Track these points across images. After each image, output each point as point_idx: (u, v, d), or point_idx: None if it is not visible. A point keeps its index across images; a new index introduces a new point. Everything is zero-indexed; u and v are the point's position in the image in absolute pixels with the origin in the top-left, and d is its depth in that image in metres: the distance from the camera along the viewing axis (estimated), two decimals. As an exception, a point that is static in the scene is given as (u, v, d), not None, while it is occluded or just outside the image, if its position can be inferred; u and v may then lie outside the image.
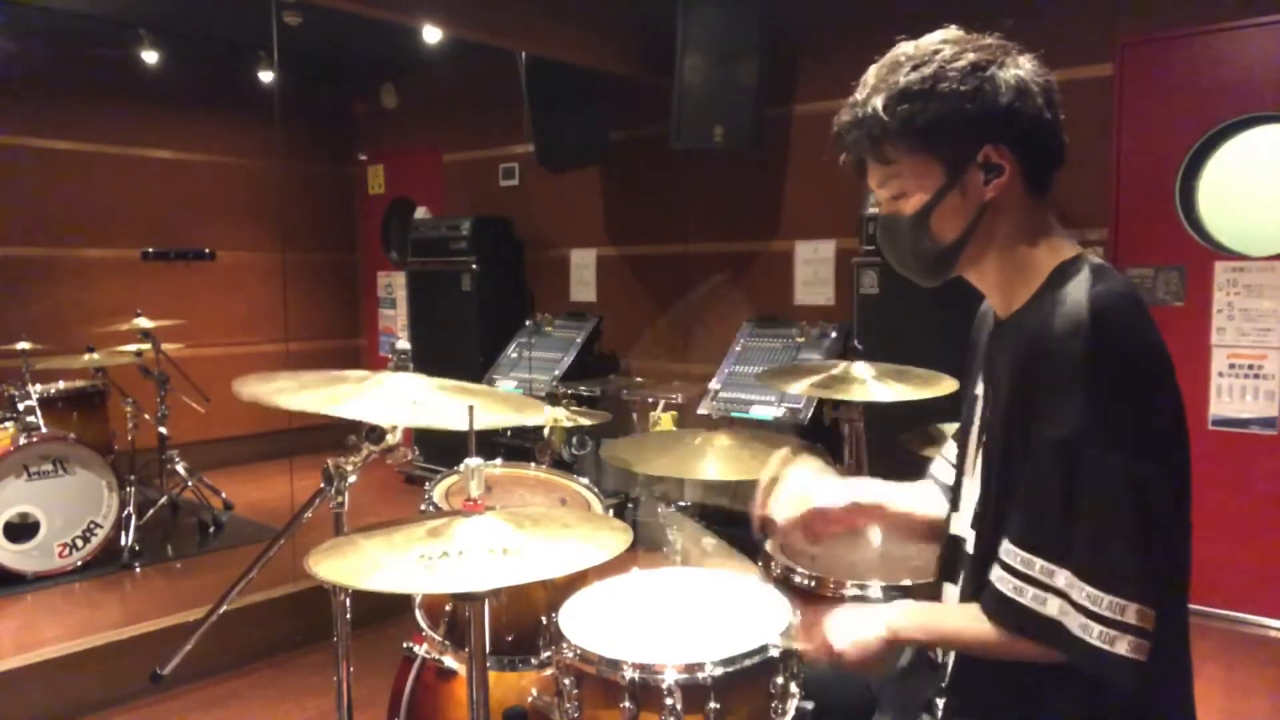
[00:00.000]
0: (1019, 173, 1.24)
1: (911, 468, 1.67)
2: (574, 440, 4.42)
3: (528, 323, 5.60)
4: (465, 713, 1.42)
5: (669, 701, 1.37)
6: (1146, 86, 3.77)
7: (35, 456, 3.84)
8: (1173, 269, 3.75)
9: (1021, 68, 1.23)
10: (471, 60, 6.00)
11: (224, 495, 4.93)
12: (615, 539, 1.35)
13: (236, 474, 5.55)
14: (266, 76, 6.06)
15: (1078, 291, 1.18)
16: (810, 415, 4.08)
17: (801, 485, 1.55)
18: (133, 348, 4.52)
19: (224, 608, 1.84)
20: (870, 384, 2.35)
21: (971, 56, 1.22)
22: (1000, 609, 1.19)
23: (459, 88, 6.37)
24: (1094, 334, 1.12)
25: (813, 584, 1.90)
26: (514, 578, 1.23)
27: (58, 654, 3.08)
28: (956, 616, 1.28)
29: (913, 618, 1.32)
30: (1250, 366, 3.59)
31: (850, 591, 1.87)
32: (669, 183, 5.33)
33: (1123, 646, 1.10)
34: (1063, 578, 1.13)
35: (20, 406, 3.96)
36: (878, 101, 1.24)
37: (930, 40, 1.26)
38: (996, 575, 1.20)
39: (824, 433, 3.98)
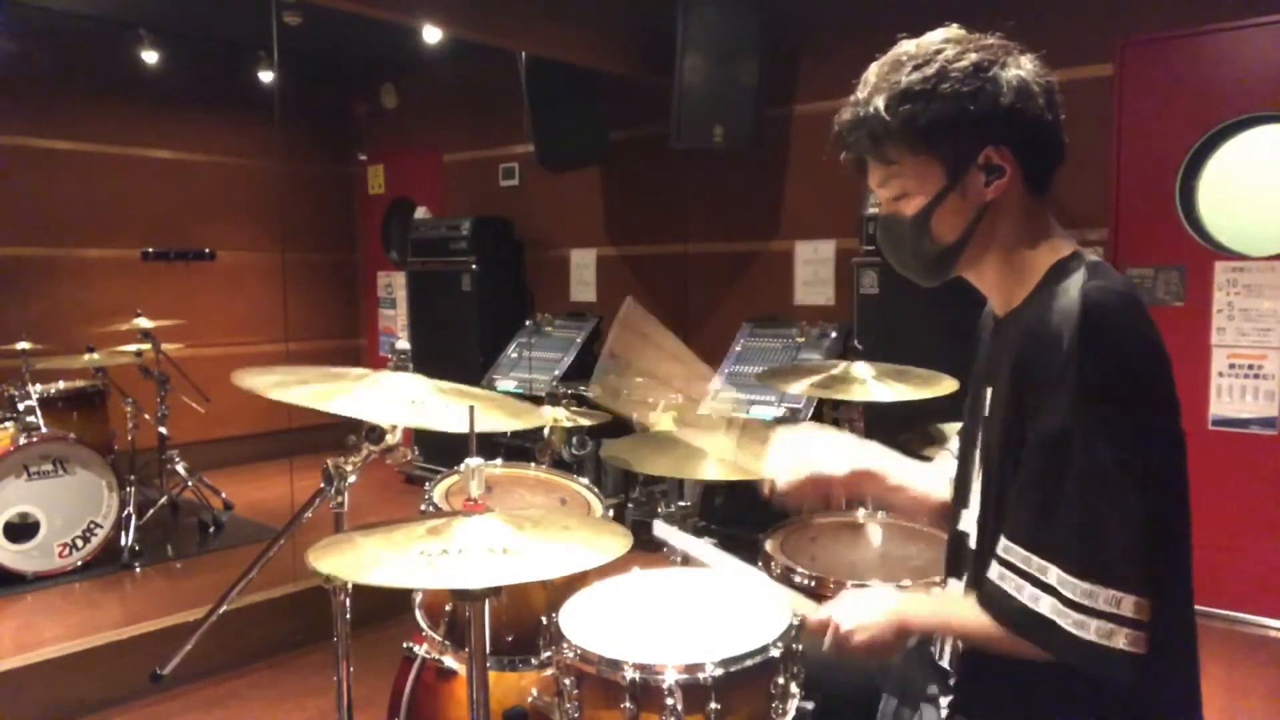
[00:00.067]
0: (1020, 173, 1.24)
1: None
2: (574, 440, 4.42)
3: (528, 323, 5.60)
4: (465, 713, 1.42)
5: (669, 702, 1.37)
6: (1146, 86, 3.77)
7: (35, 456, 3.84)
8: (1173, 269, 3.75)
9: (1023, 68, 1.23)
10: (471, 60, 6.00)
11: (224, 495, 4.93)
12: (615, 541, 1.35)
13: (236, 474, 5.55)
14: (266, 76, 6.06)
15: (1073, 287, 1.18)
16: (810, 415, 4.08)
17: (801, 450, 1.53)
18: (133, 348, 4.51)
19: (224, 608, 1.84)
20: (870, 384, 2.35)
21: (974, 56, 1.22)
22: (996, 606, 1.19)
23: (459, 88, 6.37)
24: (1086, 327, 1.12)
25: (813, 584, 1.90)
26: (514, 577, 1.23)
27: (58, 654, 3.08)
28: (964, 608, 1.27)
29: (922, 606, 1.32)
30: (1250, 366, 3.59)
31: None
32: (669, 183, 5.33)
33: (1121, 640, 1.09)
34: (1054, 574, 1.12)
35: (20, 406, 3.95)
36: (879, 101, 1.23)
37: (932, 39, 1.26)
38: (994, 571, 1.20)
39: (824, 433, 3.97)
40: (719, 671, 1.38)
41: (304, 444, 4.83)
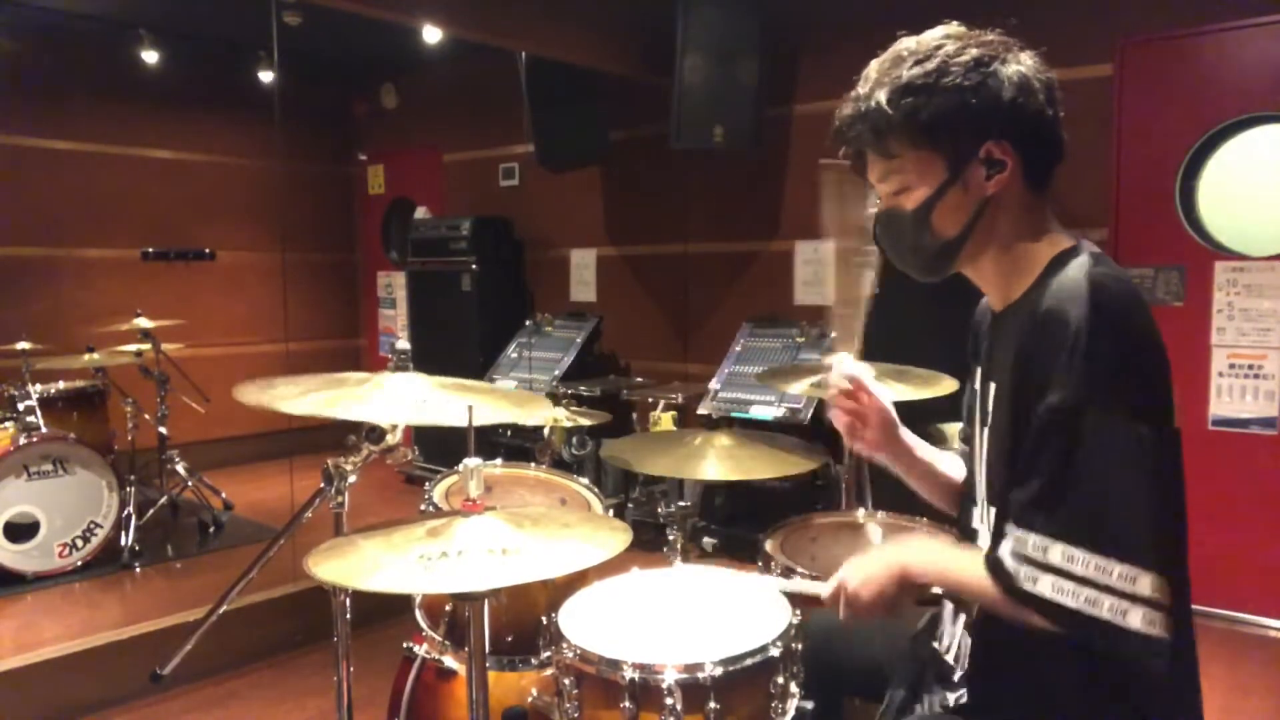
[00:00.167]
0: (1020, 168, 1.25)
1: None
2: (574, 440, 4.42)
3: (528, 323, 5.60)
4: (465, 713, 1.42)
5: (669, 701, 1.37)
6: (1146, 86, 3.77)
7: (35, 456, 3.84)
8: (1173, 269, 3.75)
9: (1023, 64, 1.23)
10: (471, 60, 6.00)
11: (224, 495, 4.93)
12: (615, 539, 1.35)
13: (236, 474, 5.55)
14: (266, 76, 6.07)
15: (1078, 271, 1.18)
16: (810, 415, 4.08)
17: (864, 369, 1.56)
18: (133, 348, 4.51)
19: (224, 608, 1.84)
20: (870, 384, 2.34)
21: (974, 52, 1.22)
22: (998, 575, 1.18)
23: (459, 88, 6.37)
24: (1093, 305, 1.12)
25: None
26: (514, 578, 1.23)
27: (58, 654, 3.08)
28: (971, 567, 1.25)
29: (927, 558, 1.31)
30: (1250, 366, 3.59)
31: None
32: (669, 183, 5.33)
33: (1136, 620, 1.07)
34: (1058, 551, 1.11)
35: (20, 406, 3.95)
36: (881, 95, 1.24)
37: (933, 35, 1.26)
38: (1004, 547, 1.18)
39: (824, 433, 3.98)
40: (718, 671, 1.38)
41: (304, 444, 4.83)
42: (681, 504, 1.98)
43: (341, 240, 7.22)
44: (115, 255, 5.90)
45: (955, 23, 1.28)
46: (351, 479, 1.68)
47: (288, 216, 6.58)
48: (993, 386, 1.33)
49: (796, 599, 1.59)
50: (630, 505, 4.65)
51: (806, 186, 4.84)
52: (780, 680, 1.44)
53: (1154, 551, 1.08)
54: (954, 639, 1.39)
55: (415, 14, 4.13)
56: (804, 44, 4.77)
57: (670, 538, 1.94)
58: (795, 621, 1.48)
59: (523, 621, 1.82)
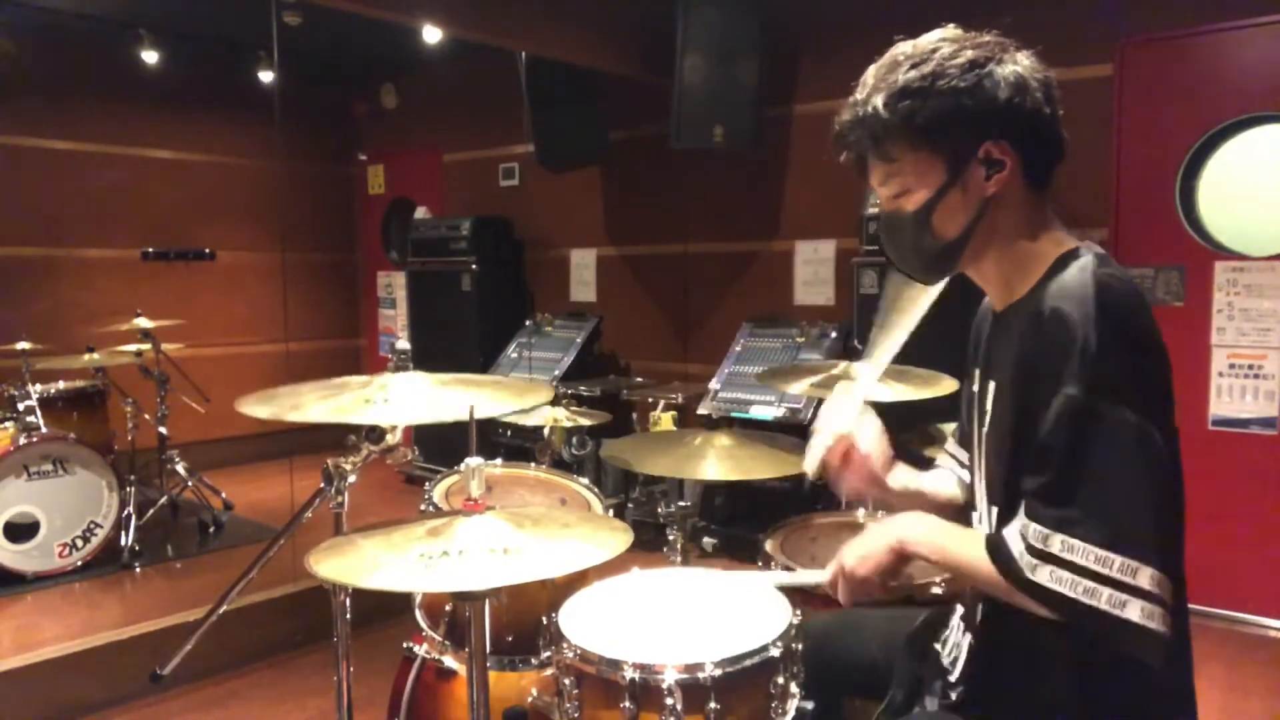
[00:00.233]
0: (1020, 168, 1.25)
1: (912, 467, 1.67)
2: (574, 440, 4.42)
3: (528, 323, 5.60)
4: (465, 713, 1.42)
5: (669, 701, 1.37)
6: (1146, 86, 3.77)
7: (35, 456, 3.84)
8: (1173, 269, 3.75)
9: (1020, 64, 1.24)
10: (471, 60, 6.00)
11: (224, 495, 4.93)
12: (615, 539, 1.35)
13: (236, 474, 5.55)
14: (266, 76, 6.06)
15: (1082, 272, 1.19)
16: (810, 415, 4.08)
17: (856, 417, 1.56)
18: (133, 348, 4.51)
19: (224, 608, 1.84)
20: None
21: (970, 54, 1.23)
22: (998, 558, 1.19)
23: (459, 88, 6.37)
24: (1099, 305, 1.12)
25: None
26: (514, 577, 1.23)
27: (58, 654, 3.08)
28: (969, 545, 1.25)
29: (924, 532, 1.31)
30: (1250, 366, 3.59)
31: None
32: (669, 183, 5.33)
33: (1134, 612, 1.07)
34: (1058, 542, 1.11)
35: (20, 406, 3.95)
36: (878, 100, 1.25)
37: (929, 39, 1.27)
38: (1008, 530, 1.19)
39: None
40: (718, 671, 1.38)
41: (304, 444, 4.81)
42: (681, 504, 1.98)
43: (341, 240, 7.22)
44: (115, 255, 5.90)
45: (952, 25, 1.29)
46: (351, 479, 1.68)
47: (288, 216, 6.58)
48: (992, 385, 1.33)
49: (797, 593, 1.59)
50: (630, 505, 4.65)
51: (806, 186, 4.84)
52: (780, 680, 1.44)
53: (1155, 546, 1.09)
54: (954, 638, 1.39)
55: (415, 14, 4.13)
56: (804, 44, 4.77)
57: (670, 538, 1.94)
58: (795, 621, 1.49)
59: (523, 621, 1.82)
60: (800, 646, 1.49)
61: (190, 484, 4.69)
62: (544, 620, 1.57)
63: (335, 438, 1.68)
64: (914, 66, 1.23)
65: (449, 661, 1.83)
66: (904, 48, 1.27)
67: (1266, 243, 3.57)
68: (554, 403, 2.80)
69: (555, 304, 5.88)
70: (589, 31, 4.70)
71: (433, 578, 1.23)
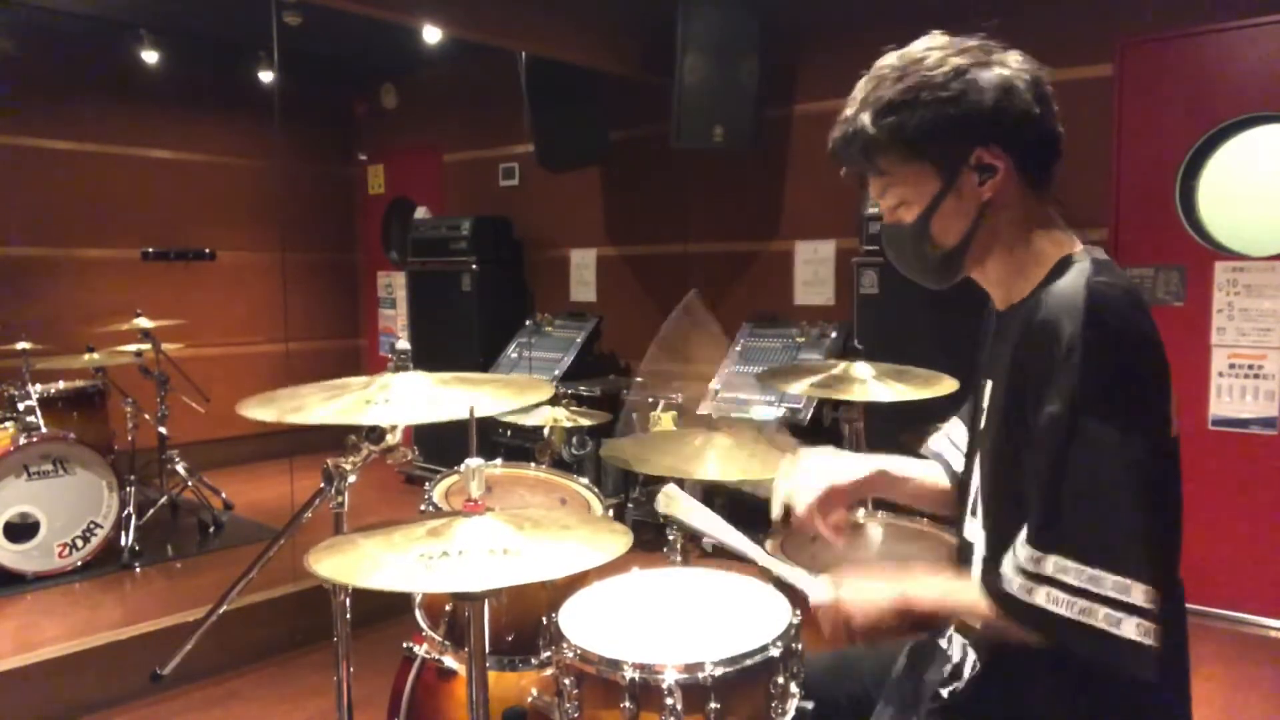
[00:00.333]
0: (1015, 169, 1.25)
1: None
2: (574, 440, 4.42)
3: (528, 323, 5.60)
4: (465, 713, 1.42)
5: (669, 701, 1.37)
6: (1146, 86, 3.77)
7: (35, 456, 3.84)
8: (1173, 269, 3.75)
9: (1007, 65, 1.23)
10: (471, 60, 6.00)
11: (224, 495, 4.93)
12: (615, 540, 1.35)
13: (236, 474, 5.55)
14: (266, 76, 6.06)
15: (1077, 279, 1.18)
16: (810, 415, 4.08)
17: (817, 469, 1.54)
18: (133, 348, 4.51)
19: (224, 608, 1.84)
20: (870, 384, 2.35)
21: (954, 61, 1.22)
22: (993, 589, 1.19)
23: (459, 88, 6.37)
24: (1090, 315, 1.12)
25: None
26: (514, 578, 1.23)
27: (58, 654, 3.08)
28: (967, 591, 1.26)
29: (927, 590, 1.31)
30: (1250, 366, 3.59)
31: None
32: (669, 183, 5.33)
33: (1130, 630, 1.07)
34: (1051, 563, 1.11)
35: (20, 406, 3.96)
36: (865, 117, 1.25)
37: (914, 49, 1.27)
38: (1006, 563, 1.19)
39: (824, 433, 3.98)
40: (718, 671, 1.38)
41: (304, 444, 4.81)
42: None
43: (341, 240, 7.22)
44: (115, 255, 5.90)
45: (938, 32, 1.29)
46: (351, 479, 1.68)
47: (288, 216, 6.58)
48: (989, 385, 1.33)
49: (786, 588, 1.58)
50: (630, 505, 4.65)
51: (806, 187, 4.84)
52: (780, 680, 1.44)
53: (1147, 563, 1.09)
54: (947, 649, 1.40)
55: (415, 14, 4.13)
56: (804, 44, 4.77)
57: (670, 538, 1.94)
58: (795, 621, 1.49)
59: (523, 621, 1.82)
60: (800, 646, 1.49)
61: (190, 484, 4.69)
62: (544, 620, 1.57)
63: (335, 438, 1.68)
64: (898, 79, 1.23)
65: (449, 661, 1.83)
66: (889, 59, 1.27)
67: (1266, 243, 3.57)
68: (554, 402, 2.80)
69: (555, 304, 5.88)
70: (589, 31, 4.70)
71: (432, 578, 1.23)
